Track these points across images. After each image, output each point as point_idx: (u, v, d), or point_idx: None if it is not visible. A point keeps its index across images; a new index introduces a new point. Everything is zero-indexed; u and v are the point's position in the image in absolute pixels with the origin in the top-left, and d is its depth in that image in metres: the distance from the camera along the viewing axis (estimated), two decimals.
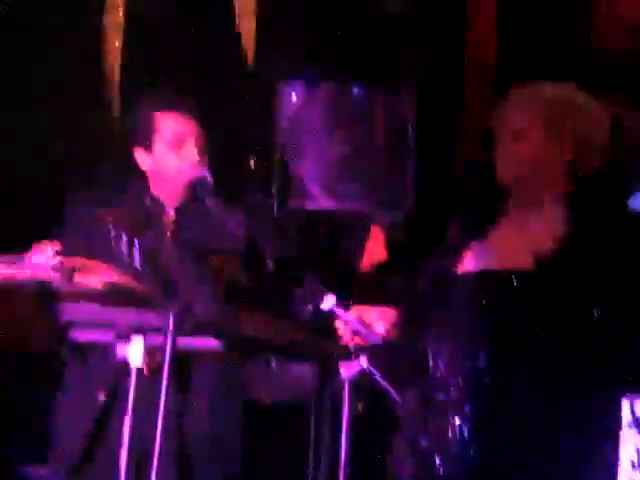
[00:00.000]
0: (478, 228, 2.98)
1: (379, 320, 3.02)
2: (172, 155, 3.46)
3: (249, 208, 3.59)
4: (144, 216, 3.45)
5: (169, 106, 3.49)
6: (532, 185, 2.94)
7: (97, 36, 4.46)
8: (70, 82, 4.37)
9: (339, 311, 3.02)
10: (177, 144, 3.45)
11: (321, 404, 3.45)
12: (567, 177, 2.92)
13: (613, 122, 2.97)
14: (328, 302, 3.00)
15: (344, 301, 3.02)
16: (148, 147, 3.49)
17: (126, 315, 2.82)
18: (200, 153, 3.46)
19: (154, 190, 3.51)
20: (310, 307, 3.03)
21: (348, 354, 3.19)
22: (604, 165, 2.94)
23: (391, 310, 3.04)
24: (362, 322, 3.03)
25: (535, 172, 2.92)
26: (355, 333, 3.01)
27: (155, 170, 3.49)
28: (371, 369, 3.20)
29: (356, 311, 3.03)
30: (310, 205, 4.40)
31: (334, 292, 2.99)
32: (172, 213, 3.49)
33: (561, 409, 2.79)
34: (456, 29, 4.92)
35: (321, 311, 3.00)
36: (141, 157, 3.51)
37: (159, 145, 3.48)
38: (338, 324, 3.03)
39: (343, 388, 3.22)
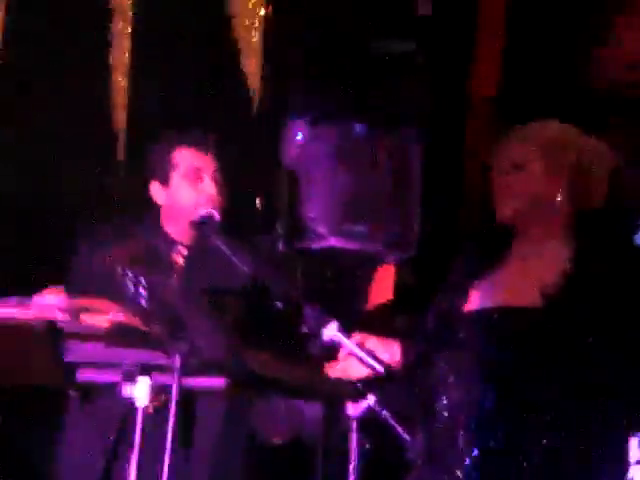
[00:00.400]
0: (483, 266, 2.98)
1: (382, 349, 3.00)
2: (189, 189, 3.49)
3: (256, 248, 3.60)
4: (153, 253, 3.46)
5: (187, 141, 3.53)
6: (534, 220, 2.95)
7: (103, 75, 4.49)
8: (76, 122, 4.39)
9: (342, 337, 3.00)
10: (194, 178, 3.50)
11: (329, 444, 3.43)
12: (568, 212, 2.93)
13: (615, 160, 2.99)
14: (331, 328, 2.99)
15: (347, 330, 3.01)
16: (165, 181, 3.52)
17: (132, 354, 2.81)
18: (217, 187, 3.49)
19: (166, 227, 3.53)
20: (318, 341, 3.01)
21: (356, 393, 3.17)
22: (606, 200, 2.95)
23: (394, 341, 3.02)
24: (365, 349, 3.00)
25: (535, 205, 2.94)
26: (358, 360, 2.99)
27: (170, 204, 3.53)
28: (379, 408, 3.19)
29: (359, 338, 3.00)
30: (316, 245, 4.40)
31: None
32: (183, 250, 3.50)
33: (568, 446, 2.78)
34: (461, 67, 4.94)
35: (325, 340, 2.98)
36: (156, 191, 3.55)
37: (176, 179, 3.51)
38: (341, 353, 3.00)
39: (351, 427, 3.20)
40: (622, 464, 2.86)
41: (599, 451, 2.79)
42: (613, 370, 2.80)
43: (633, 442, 3.56)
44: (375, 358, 2.98)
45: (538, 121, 3.02)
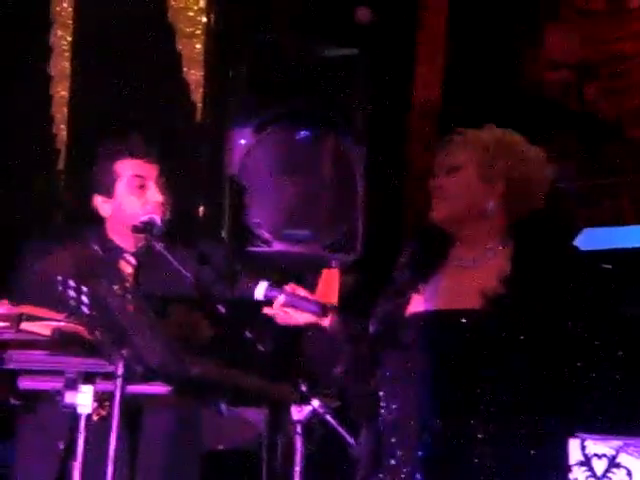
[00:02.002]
0: (425, 270, 3.00)
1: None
2: (133, 198, 3.49)
3: (199, 253, 3.61)
4: (99, 262, 3.46)
5: (128, 151, 3.52)
6: (468, 224, 2.97)
7: (43, 85, 4.47)
8: (19, 131, 4.37)
9: (274, 293, 3.07)
10: (138, 187, 3.49)
11: (273, 448, 3.44)
12: (504, 218, 2.97)
13: (553, 169, 3.03)
14: (262, 286, 3.05)
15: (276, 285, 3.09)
16: (109, 193, 3.51)
17: (75, 362, 2.82)
18: (162, 195, 3.50)
19: (113, 236, 3.53)
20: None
21: (300, 397, 3.20)
22: (544, 205, 2.98)
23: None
24: (297, 295, 3.09)
25: (468, 209, 2.96)
26: (293, 306, 3.07)
27: (116, 215, 3.51)
28: (323, 411, 3.22)
29: (290, 288, 3.11)
30: (261, 250, 4.41)
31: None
32: (130, 259, 3.50)
33: (511, 448, 2.80)
34: (403, 73, 4.98)
35: (258, 298, 3.07)
36: (100, 203, 3.54)
37: (120, 190, 3.50)
38: (274, 307, 3.08)
39: (296, 431, 3.22)
40: (563, 465, 2.90)
41: (539, 451, 2.82)
42: (552, 371, 2.83)
43: (574, 443, 3.62)
44: (309, 300, 3.08)
45: (479, 126, 3.05)
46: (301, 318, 3.08)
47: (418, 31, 5.02)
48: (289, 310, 3.08)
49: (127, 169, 3.52)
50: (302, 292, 3.12)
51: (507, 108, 4.60)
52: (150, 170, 3.53)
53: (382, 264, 3.24)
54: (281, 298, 3.08)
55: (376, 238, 4.60)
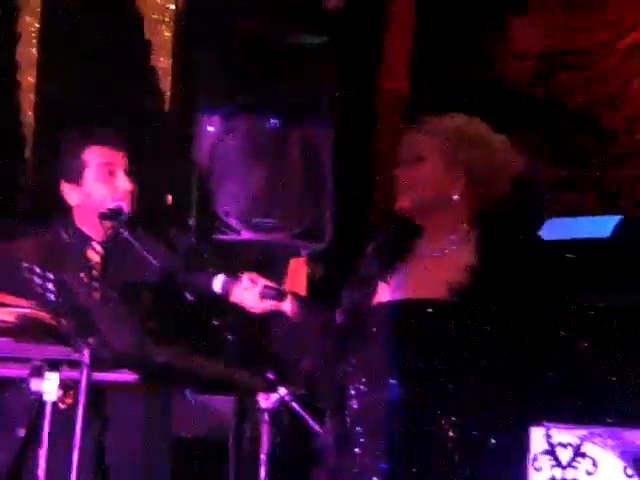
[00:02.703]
0: (392, 260, 3.01)
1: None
2: (102, 186, 3.47)
3: (167, 241, 3.60)
4: (66, 250, 3.45)
5: (97, 139, 3.51)
6: (433, 214, 2.98)
7: (10, 71, 4.44)
8: None
9: (231, 285, 3.10)
10: (107, 175, 3.47)
11: (240, 436, 3.45)
12: (470, 207, 2.97)
13: (519, 159, 3.03)
14: (218, 281, 3.07)
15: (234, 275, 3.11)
16: (77, 180, 3.49)
17: (41, 349, 2.81)
18: (130, 183, 3.48)
19: (80, 224, 3.51)
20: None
21: (268, 385, 3.21)
22: (509, 195, 2.99)
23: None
24: (254, 281, 3.11)
25: (432, 199, 2.97)
26: (255, 294, 3.09)
27: (84, 203, 3.50)
28: (290, 399, 3.23)
29: (247, 276, 3.12)
30: (229, 238, 4.41)
31: None
32: (98, 247, 3.49)
33: (475, 438, 2.82)
34: (370, 61, 4.98)
35: (217, 290, 3.08)
36: (68, 191, 3.52)
37: (88, 177, 3.49)
38: (236, 294, 3.10)
39: (262, 419, 3.23)
40: (525, 453, 2.92)
41: (502, 439, 2.83)
42: (516, 361, 2.84)
43: (538, 432, 3.64)
44: (266, 286, 3.09)
45: (442, 114, 3.04)
46: (261, 304, 3.09)
47: (386, 19, 5.02)
48: (248, 297, 3.09)
49: (95, 157, 3.51)
50: (259, 279, 3.12)
51: (475, 97, 4.62)
52: (119, 158, 3.52)
53: (350, 252, 3.24)
54: (238, 286, 3.09)
55: (345, 227, 4.61)
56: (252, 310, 3.10)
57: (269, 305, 3.08)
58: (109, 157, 3.50)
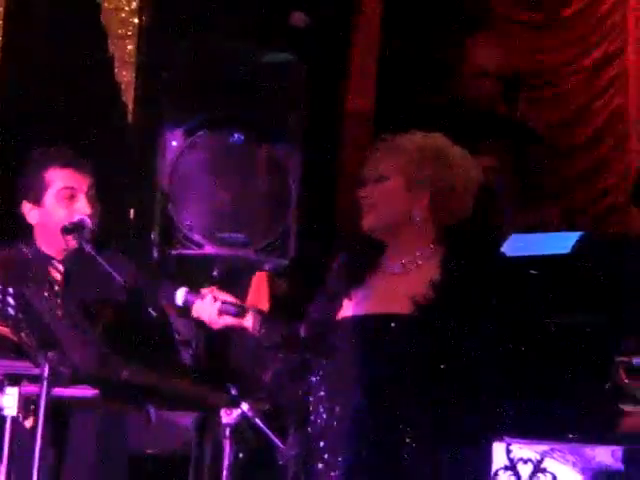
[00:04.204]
0: (357, 276, 3.02)
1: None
2: (62, 209, 3.46)
3: (129, 256, 3.59)
4: (27, 267, 3.43)
5: (60, 161, 3.49)
6: (397, 232, 2.99)
7: None
8: None
9: (192, 298, 3.10)
10: (68, 198, 3.46)
11: (201, 452, 3.44)
12: (433, 223, 2.99)
13: (484, 171, 3.05)
14: (180, 294, 3.07)
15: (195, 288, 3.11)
16: (37, 201, 3.48)
17: (0, 364, 2.79)
18: (91, 206, 3.47)
19: (40, 243, 3.50)
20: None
21: (230, 401, 3.20)
22: (472, 212, 3.00)
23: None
24: (215, 297, 3.10)
25: (394, 218, 2.99)
26: (214, 309, 3.08)
27: (43, 223, 3.48)
28: (253, 414, 3.22)
29: (208, 290, 3.12)
30: (192, 252, 4.40)
31: None
32: (58, 265, 3.47)
33: (438, 450, 2.83)
34: (336, 79, 5.00)
35: (179, 304, 3.08)
36: (29, 210, 3.50)
37: (49, 199, 3.48)
38: (197, 309, 3.08)
39: (224, 435, 3.22)
40: (487, 468, 2.93)
41: (466, 453, 2.84)
42: (478, 376, 2.86)
43: (499, 447, 3.65)
44: (226, 302, 3.09)
45: (405, 133, 3.07)
46: (221, 320, 3.09)
47: (352, 36, 5.05)
48: (209, 312, 3.08)
49: (57, 179, 3.49)
50: (220, 294, 3.12)
51: (438, 115, 4.65)
52: (81, 181, 3.50)
53: (315, 268, 3.25)
54: (199, 302, 3.09)
55: (309, 242, 4.62)
56: (212, 325, 3.10)
57: (229, 321, 3.08)
58: (71, 181, 3.48)
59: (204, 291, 3.11)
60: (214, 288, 3.14)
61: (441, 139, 3.03)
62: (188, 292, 3.11)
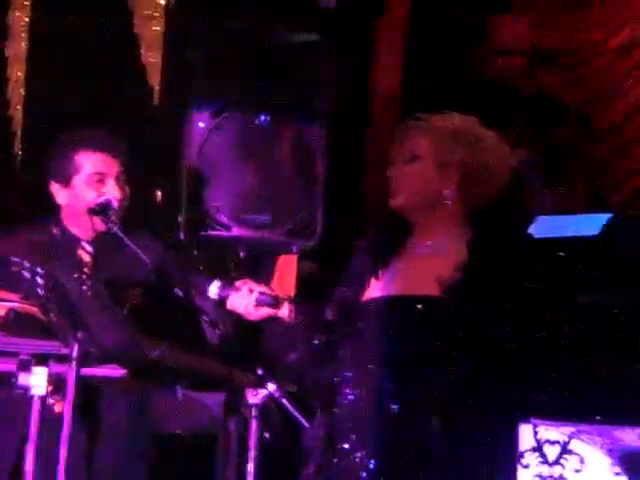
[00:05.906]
0: (384, 257, 3.02)
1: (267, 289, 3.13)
2: (91, 192, 3.47)
3: (157, 237, 3.60)
4: (57, 247, 3.44)
5: (91, 144, 3.49)
6: (426, 212, 2.99)
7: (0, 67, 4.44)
8: None
9: (226, 292, 3.09)
10: (97, 182, 3.47)
11: (228, 433, 3.45)
12: (463, 205, 2.98)
13: (513, 158, 3.04)
14: (214, 287, 3.07)
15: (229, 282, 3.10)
16: (66, 183, 3.49)
17: (29, 344, 2.81)
18: (120, 190, 3.48)
19: (67, 223, 3.51)
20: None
21: (256, 381, 3.21)
22: (501, 193, 3.00)
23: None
24: (250, 290, 3.10)
25: (425, 197, 2.98)
26: (250, 302, 3.08)
27: (72, 204, 3.49)
28: (279, 395, 3.23)
29: (241, 283, 3.12)
30: (219, 234, 4.40)
31: None
32: (87, 247, 3.49)
33: (463, 434, 2.84)
34: (364, 60, 4.99)
35: (213, 297, 3.08)
36: (57, 191, 3.51)
37: (78, 182, 3.49)
38: (232, 302, 3.08)
39: (251, 415, 3.23)
40: (514, 450, 2.93)
41: (492, 437, 2.85)
42: (505, 358, 2.85)
43: (526, 429, 3.65)
44: (262, 293, 3.08)
45: (436, 113, 3.05)
46: (257, 312, 3.09)
47: (380, 17, 5.03)
48: (245, 305, 3.08)
49: (88, 163, 3.50)
50: (255, 286, 3.12)
51: (466, 94, 4.63)
52: (111, 166, 3.50)
53: (342, 250, 3.25)
54: (234, 295, 3.08)
55: (336, 223, 4.61)
56: (248, 317, 3.10)
57: (265, 312, 3.08)
58: (101, 165, 3.49)
59: (238, 283, 3.10)
60: (247, 280, 3.13)
61: (474, 122, 3.02)
62: (222, 285, 3.10)
